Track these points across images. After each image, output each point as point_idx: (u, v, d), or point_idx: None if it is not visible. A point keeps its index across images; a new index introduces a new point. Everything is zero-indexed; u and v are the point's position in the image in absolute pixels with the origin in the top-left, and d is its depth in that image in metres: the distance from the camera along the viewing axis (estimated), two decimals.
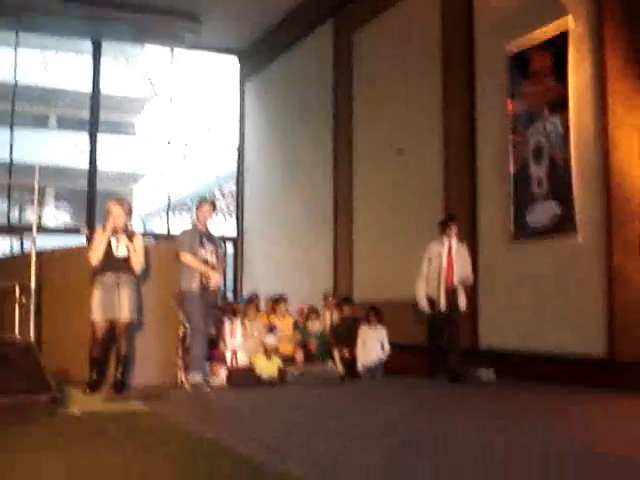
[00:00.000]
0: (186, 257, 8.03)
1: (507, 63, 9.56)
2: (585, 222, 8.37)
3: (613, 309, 7.96)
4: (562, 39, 8.75)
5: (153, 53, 26.10)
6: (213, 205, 8.52)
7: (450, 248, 9.01)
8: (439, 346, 9.03)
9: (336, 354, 10.18)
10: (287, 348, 10.35)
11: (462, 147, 10.40)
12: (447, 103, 10.81)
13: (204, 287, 7.99)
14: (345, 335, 10.15)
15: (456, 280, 8.93)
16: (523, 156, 9.20)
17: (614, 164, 8.06)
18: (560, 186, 8.67)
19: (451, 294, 8.89)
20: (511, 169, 9.36)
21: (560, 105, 8.74)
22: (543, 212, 8.86)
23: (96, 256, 7.58)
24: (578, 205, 8.44)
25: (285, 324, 10.68)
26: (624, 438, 5.05)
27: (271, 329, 10.35)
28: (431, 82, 11.13)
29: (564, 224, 8.56)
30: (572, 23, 8.65)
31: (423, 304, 9.14)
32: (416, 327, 10.42)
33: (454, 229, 9.04)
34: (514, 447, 4.72)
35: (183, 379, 8.21)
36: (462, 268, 8.95)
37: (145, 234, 8.89)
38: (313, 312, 10.82)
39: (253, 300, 11.40)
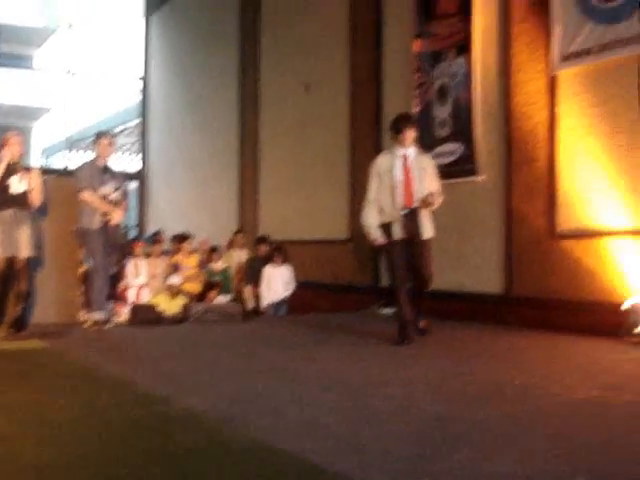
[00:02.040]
0: (86, 194, 7.81)
1: (414, 3, 9.56)
2: (486, 163, 8.54)
3: (511, 248, 8.19)
4: None
5: None
6: (112, 139, 8.27)
7: (406, 159, 6.70)
8: (407, 293, 6.72)
9: (248, 291, 10.24)
10: (192, 286, 10.35)
11: (368, 85, 10.41)
12: (354, 41, 10.78)
13: (105, 224, 7.82)
14: (257, 273, 10.18)
15: (416, 199, 6.64)
16: (428, 96, 9.27)
17: (514, 107, 8.20)
18: (463, 127, 8.79)
19: (410, 218, 6.64)
20: (415, 109, 9.42)
21: (465, 46, 8.81)
22: (446, 153, 8.98)
23: None
24: (479, 146, 8.59)
25: (190, 262, 10.64)
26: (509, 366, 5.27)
27: (176, 268, 10.32)
28: (338, 19, 11.06)
29: (466, 165, 8.71)
30: None
31: (376, 234, 6.74)
32: (322, 265, 10.54)
33: (410, 134, 6.74)
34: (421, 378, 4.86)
35: (84, 317, 8.10)
36: (423, 184, 6.66)
37: (44, 170, 8.56)
38: (215, 251, 10.83)
39: (157, 238, 11.30)
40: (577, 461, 3.00)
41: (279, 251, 10.19)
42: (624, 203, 7.07)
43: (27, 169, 7.54)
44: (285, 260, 10.16)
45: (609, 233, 7.18)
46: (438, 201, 6.68)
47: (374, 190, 6.77)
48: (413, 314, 6.69)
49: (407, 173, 6.66)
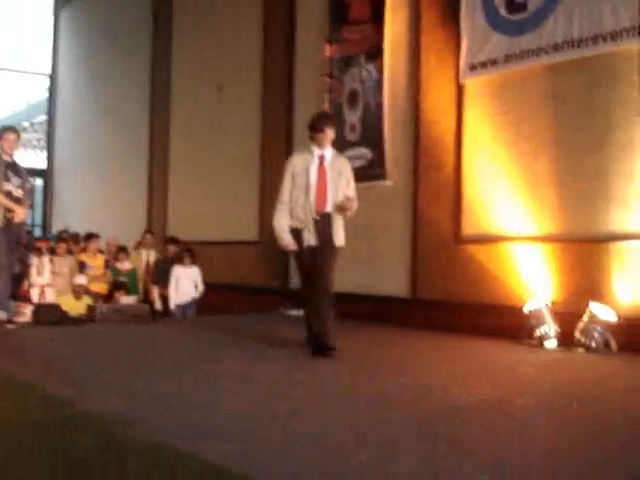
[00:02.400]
0: None
1: (327, 8, 9.63)
2: (394, 168, 8.68)
3: (417, 252, 8.34)
4: None
5: None
6: (17, 133, 8.03)
7: (322, 161, 6.21)
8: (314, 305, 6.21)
9: (156, 292, 10.12)
10: (99, 287, 10.17)
11: (280, 88, 10.45)
12: (267, 43, 10.81)
13: (8, 222, 7.60)
14: (165, 274, 10.07)
15: (330, 204, 6.19)
16: (338, 101, 9.36)
17: (423, 114, 8.37)
18: (372, 132, 8.91)
19: (322, 224, 6.16)
20: None
21: (376, 52, 8.93)
22: (356, 157, 9.06)
23: None
24: (389, 152, 8.72)
25: (96, 262, 10.46)
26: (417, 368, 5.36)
27: (82, 267, 10.13)
28: (252, 22, 11.07)
29: (375, 170, 8.83)
30: None
31: (286, 239, 6.17)
32: (232, 267, 10.52)
33: (329, 134, 6.24)
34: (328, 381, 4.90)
35: None
36: (339, 188, 6.19)
37: None
38: (122, 251, 10.68)
39: (63, 237, 11.08)
40: (478, 460, 3.08)
41: (188, 252, 10.11)
42: (526, 210, 7.30)
43: None
44: (194, 261, 10.09)
45: (511, 238, 7.40)
46: (353, 207, 6.19)
47: (287, 192, 6.22)
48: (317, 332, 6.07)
49: (322, 176, 6.17)
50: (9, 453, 3.16)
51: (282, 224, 6.20)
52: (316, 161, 6.19)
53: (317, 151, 6.23)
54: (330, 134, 6.22)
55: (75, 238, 11.65)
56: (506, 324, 7.11)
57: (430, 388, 4.71)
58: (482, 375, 5.22)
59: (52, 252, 10.31)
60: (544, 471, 3.01)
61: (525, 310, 6.89)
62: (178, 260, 10.11)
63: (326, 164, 6.20)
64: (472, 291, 7.70)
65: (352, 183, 6.35)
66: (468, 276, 7.75)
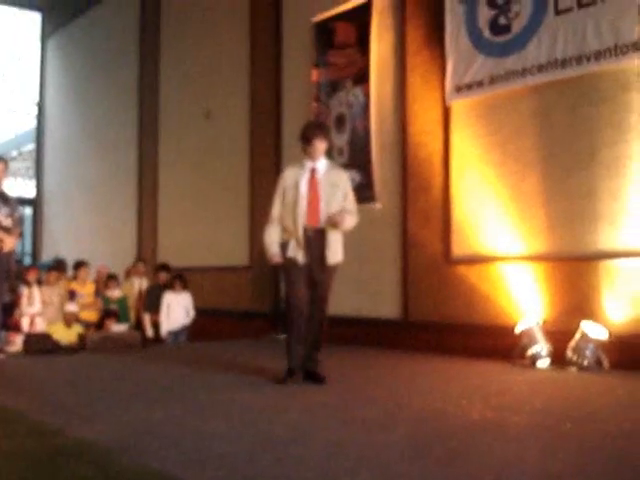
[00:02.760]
0: None
1: (313, 33, 9.70)
2: (383, 191, 8.71)
3: (407, 274, 8.36)
4: (365, 11, 8.99)
5: None
6: (5, 163, 8.03)
7: (314, 173, 5.89)
8: (299, 331, 5.86)
9: (147, 319, 10.10)
10: (89, 315, 10.15)
11: (268, 113, 10.50)
12: (254, 68, 10.87)
13: None
14: (156, 301, 10.06)
15: (322, 218, 5.83)
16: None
17: (411, 136, 8.42)
18: (360, 155, 8.95)
19: (314, 240, 5.81)
20: None
21: (362, 76, 9.00)
22: None
23: None
24: (377, 174, 8.76)
25: (86, 290, 10.44)
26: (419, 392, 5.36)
27: (72, 296, 10.10)
28: (239, 46, 11.14)
29: (364, 192, 8.83)
30: None
31: (273, 250, 5.90)
32: (222, 292, 10.51)
33: (320, 145, 5.93)
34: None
35: None
36: (333, 202, 5.85)
37: None
38: (112, 279, 10.67)
39: (54, 266, 11.05)
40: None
41: (179, 278, 10.10)
42: (515, 229, 7.33)
43: None
44: (185, 287, 10.08)
45: (501, 258, 7.43)
46: (350, 221, 5.89)
47: (278, 207, 5.94)
48: (302, 358, 5.86)
49: (313, 189, 5.82)
50: None
51: (272, 237, 5.94)
52: (307, 174, 5.88)
53: (309, 163, 5.94)
54: (320, 145, 5.89)
55: (61, 266, 11.59)
56: (498, 344, 7.13)
57: (424, 410, 4.71)
58: (476, 396, 5.22)
59: (40, 282, 10.28)
60: None
61: (517, 330, 6.91)
62: (169, 286, 10.09)
63: (318, 177, 5.87)
64: (463, 312, 7.72)
65: (350, 196, 5.99)
66: (459, 297, 7.77)
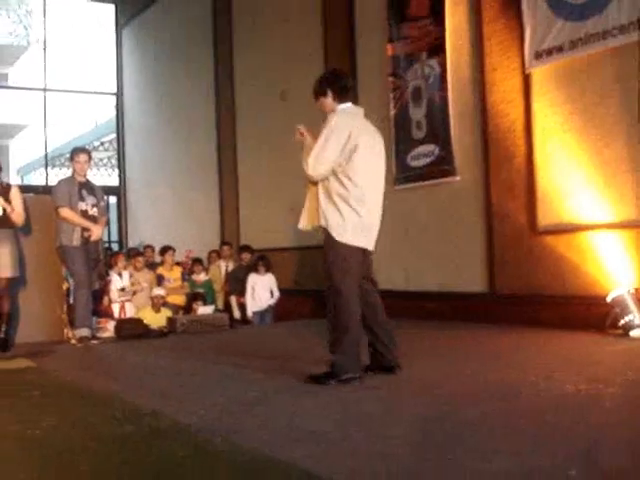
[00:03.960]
0: (64, 211, 7.74)
1: (386, 7, 9.59)
2: (464, 163, 8.58)
3: (492, 247, 8.24)
4: None
5: (27, 0, 24.99)
6: (89, 154, 8.20)
7: None
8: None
9: (234, 301, 10.25)
10: (177, 299, 10.34)
11: None
12: (328, 47, 10.79)
13: (85, 241, 7.77)
14: (241, 282, 10.18)
15: None
16: (403, 99, 9.31)
17: (490, 106, 8.25)
18: (439, 128, 8.83)
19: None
20: (392, 112, 9.46)
21: (438, 48, 8.86)
22: (423, 154, 9.02)
23: None
24: (456, 146, 8.63)
25: (173, 275, 10.62)
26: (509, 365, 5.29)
27: (160, 280, 10.30)
28: (312, 25, 11.08)
29: (444, 166, 8.75)
30: None
31: None
32: (305, 273, 10.55)
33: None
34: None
35: (70, 334, 8.05)
36: None
37: (22, 187, 8.51)
38: (198, 263, 10.84)
39: (140, 251, 11.28)
40: (571, 455, 3.02)
41: (262, 260, 10.18)
42: (602, 197, 7.13)
43: (7, 187, 7.50)
44: (268, 269, 10.16)
45: (589, 227, 7.24)
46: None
47: None
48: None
49: None
50: (104, 466, 3.21)
51: None
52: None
53: None
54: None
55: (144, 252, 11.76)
56: (590, 315, 6.96)
57: (517, 384, 4.63)
58: (569, 368, 5.12)
59: (132, 266, 10.49)
60: (636, 468, 2.92)
61: (608, 299, 6.74)
62: (253, 268, 10.19)
63: None
64: (552, 283, 7.56)
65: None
66: (547, 268, 7.61)
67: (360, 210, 4.92)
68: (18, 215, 7.43)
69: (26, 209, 7.66)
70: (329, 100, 5.23)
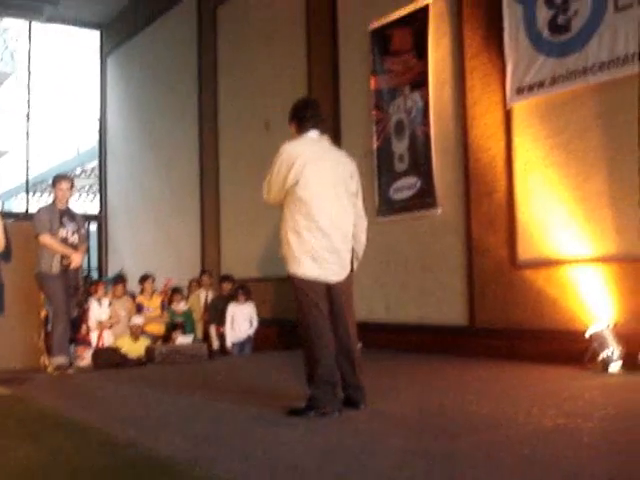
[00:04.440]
0: (45, 238, 7.70)
1: (369, 40, 9.68)
2: (445, 196, 8.63)
3: (472, 280, 8.25)
4: (422, 17, 8.93)
5: (11, 26, 25.03)
6: (71, 182, 8.19)
7: None
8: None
9: (213, 331, 10.22)
10: (156, 328, 10.27)
11: (327, 122, 10.46)
12: (312, 78, 10.87)
13: (65, 268, 7.73)
14: (221, 312, 10.16)
15: None
16: (386, 132, 9.37)
17: (472, 140, 8.32)
18: (421, 161, 8.89)
19: None
20: (374, 145, 9.51)
21: (420, 82, 8.93)
22: (405, 187, 9.06)
23: None
24: (438, 180, 8.68)
25: (152, 304, 10.57)
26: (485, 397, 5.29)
27: (139, 309, 10.24)
28: (296, 58, 11.16)
29: (425, 198, 8.79)
30: (433, 1, 8.84)
31: None
32: (285, 303, 10.53)
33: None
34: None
35: (47, 362, 7.98)
36: None
37: (2, 213, 8.46)
38: (177, 292, 10.80)
39: (120, 280, 11.22)
40: None
41: (242, 289, 10.17)
42: (582, 231, 7.18)
43: None
44: (248, 297, 10.14)
45: (569, 261, 7.28)
46: None
47: None
48: None
49: None
50: None
51: None
52: None
53: None
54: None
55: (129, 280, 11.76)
56: (568, 349, 6.98)
57: (494, 417, 4.64)
58: (547, 402, 5.12)
59: (111, 295, 10.43)
60: None
61: (587, 334, 6.76)
62: (233, 297, 10.17)
63: None
64: (532, 317, 7.58)
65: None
66: (527, 302, 7.64)
67: (311, 240, 4.91)
68: None
69: (6, 235, 7.60)
70: (293, 130, 5.41)
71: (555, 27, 7.47)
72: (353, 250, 5.18)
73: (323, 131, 5.44)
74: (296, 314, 5.03)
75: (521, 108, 7.84)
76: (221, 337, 10.15)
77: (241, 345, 10.06)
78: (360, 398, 5.03)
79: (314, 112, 5.38)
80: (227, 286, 10.61)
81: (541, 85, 7.57)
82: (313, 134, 5.33)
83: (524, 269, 7.71)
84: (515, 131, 7.87)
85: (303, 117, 5.34)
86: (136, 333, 9.51)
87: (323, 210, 4.95)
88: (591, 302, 7.05)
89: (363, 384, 5.08)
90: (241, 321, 10.05)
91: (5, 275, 7.78)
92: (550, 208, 7.48)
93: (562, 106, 7.44)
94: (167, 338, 10.02)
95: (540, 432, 4.14)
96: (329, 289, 5.01)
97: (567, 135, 7.38)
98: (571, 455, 3.60)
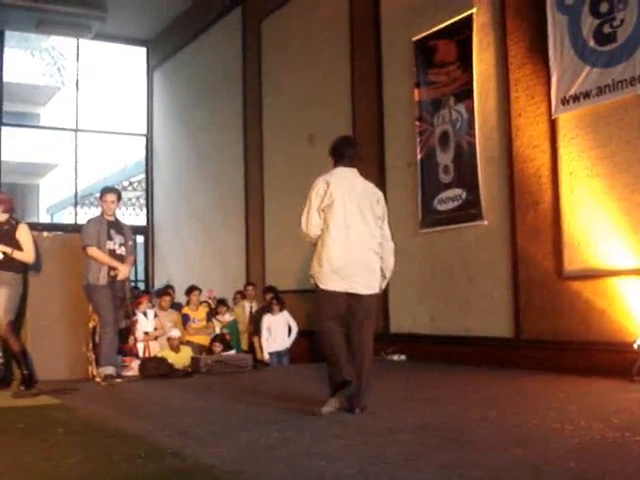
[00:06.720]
0: (92, 250, 7.81)
1: (413, 52, 9.69)
2: (490, 207, 8.59)
3: (518, 291, 8.20)
4: (466, 27, 8.93)
5: (60, 43, 25.47)
6: (118, 194, 8.29)
7: None
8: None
9: (257, 342, 10.28)
10: (202, 339, 10.33)
11: (370, 135, 10.48)
12: (356, 91, 10.90)
13: (112, 279, 7.84)
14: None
15: None
16: (430, 143, 9.36)
17: (516, 150, 8.28)
18: (466, 173, 8.86)
19: None
20: (418, 157, 9.51)
21: (465, 93, 8.92)
22: (450, 198, 9.04)
23: None
24: (483, 191, 8.64)
25: (199, 315, 10.64)
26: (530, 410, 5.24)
27: (186, 320, 10.33)
28: (340, 70, 11.20)
29: (470, 210, 8.76)
30: (476, 13, 8.83)
31: None
32: None
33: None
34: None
35: (94, 372, 8.08)
36: None
37: (52, 226, 8.61)
38: (222, 304, 10.88)
39: (167, 291, 11.32)
40: None
41: (276, 300, 10.24)
42: (629, 243, 7.10)
43: (14, 224, 7.58)
44: (282, 307, 10.20)
45: (616, 273, 7.19)
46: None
47: None
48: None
49: None
50: None
51: None
52: None
53: None
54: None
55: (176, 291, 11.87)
56: (616, 361, 6.89)
57: (541, 430, 4.60)
58: (595, 415, 5.06)
59: (158, 306, 10.54)
60: None
61: (635, 345, 6.67)
62: (267, 309, 10.24)
63: None
64: (578, 328, 7.50)
65: None
66: (574, 313, 7.56)
67: (332, 256, 5.50)
68: (25, 254, 7.51)
69: (36, 246, 7.72)
70: (333, 164, 5.89)
71: (601, 37, 7.41)
72: (381, 270, 5.64)
73: (360, 169, 5.89)
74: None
75: (566, 119, 7.79)
76: (261, 348, 10.23)
77: (279, 356, 10.12)
78: (355, 402, 5.39)
79: (352, 152, 5.85)
80: (270, 297, 10.67)
81: (587, 95, 7.50)
82: (342, 169, 5.79)
83: (570, 280, 7.64)
84: (560, 142, 7.82)
85: (342, 155, 5.81)
86: (174, 345, 9.56)
87: (350, 227, 5.49)
88: (638, 313, 6.96)
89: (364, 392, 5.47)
90: (279, 331, 10.11)
91: (53, 286, 7.92)
92: (596, 219, 7.41)
93: (607, 117, 7.37)
94: (211, 349, 10.08)
95: (587, 445, 4.10)
96: (350, 305, 5.53)
97: (613, 146, 7.31)
98: (618, 469, 3.56)
